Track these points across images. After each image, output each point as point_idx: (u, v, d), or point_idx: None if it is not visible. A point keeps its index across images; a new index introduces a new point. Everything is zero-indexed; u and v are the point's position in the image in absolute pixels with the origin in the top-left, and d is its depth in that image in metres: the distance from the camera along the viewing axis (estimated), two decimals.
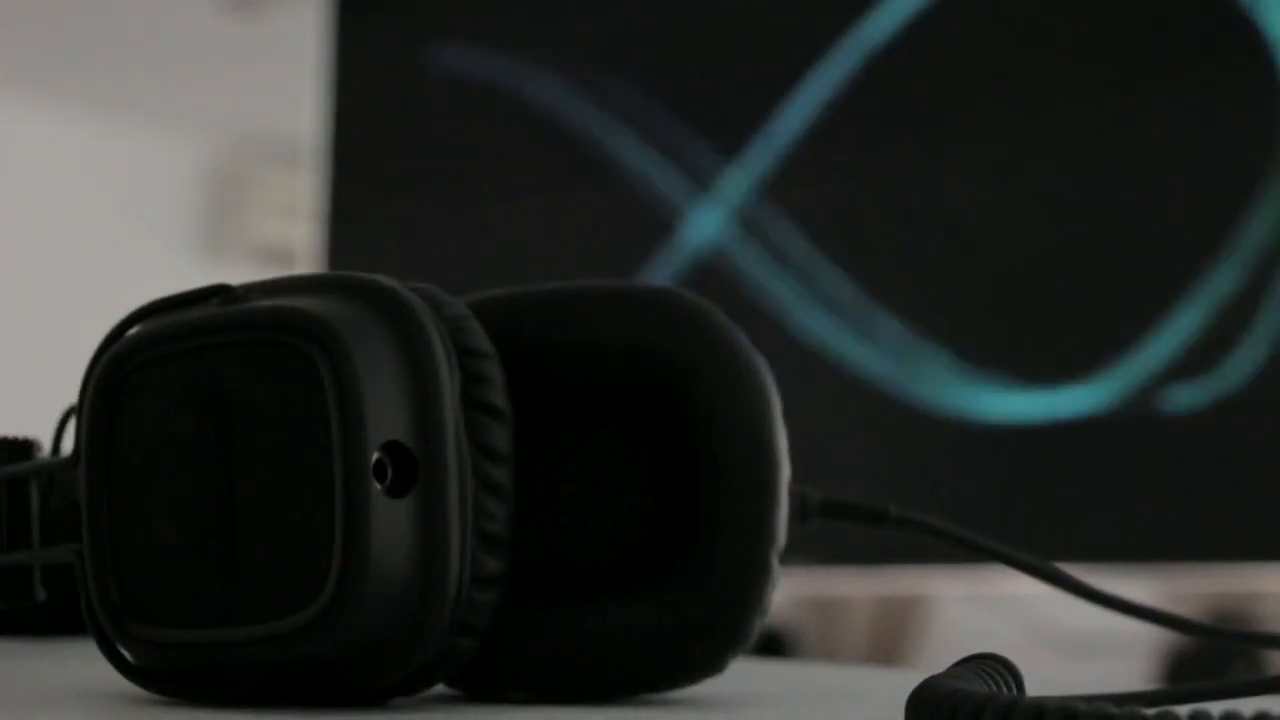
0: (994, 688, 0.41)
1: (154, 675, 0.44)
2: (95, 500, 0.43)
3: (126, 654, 0.44)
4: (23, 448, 0.51)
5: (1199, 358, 1.00)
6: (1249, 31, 1.01)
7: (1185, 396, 1.01)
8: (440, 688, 0.48)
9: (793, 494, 0.51)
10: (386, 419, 0.41)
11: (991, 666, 0.42)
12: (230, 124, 4.26)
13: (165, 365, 0.43)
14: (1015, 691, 0.42)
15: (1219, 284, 0.99)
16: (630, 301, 0.47)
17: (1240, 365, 0.99)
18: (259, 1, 3.26)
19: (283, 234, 4.51)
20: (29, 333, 4.17)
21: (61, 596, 0.49)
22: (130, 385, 0.43)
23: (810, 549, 1.11)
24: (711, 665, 0.47)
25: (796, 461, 1.07)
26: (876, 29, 1.15)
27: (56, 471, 0.47)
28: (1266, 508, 0.98)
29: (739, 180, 1.20)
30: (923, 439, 1.10)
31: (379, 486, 0.41)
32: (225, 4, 3.30)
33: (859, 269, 1.13)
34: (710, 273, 1.21)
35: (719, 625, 0.46)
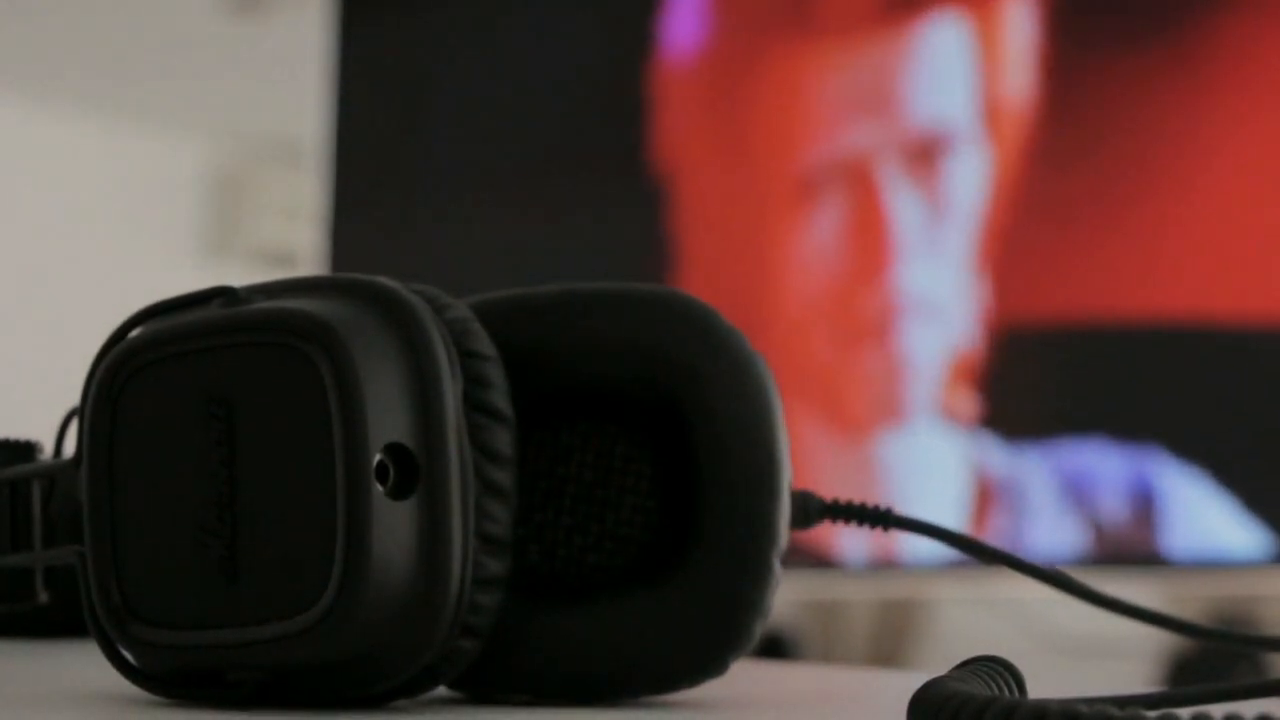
0: (996, 690, 0.41)
1: (155, 677, 0.44)
2: (97, 502, 0.43)
3: (128, 655, 0.44)
4: (25, 449, 0.51)
5: None
6: None
7: None
8: (442, 690, 0.48)
9: (795, 496, 0.51)
10: (388, 421, 0.41)
11: (993, 669, 0.42)
12: (233, 125, 4.26)
13: (167, 367, 0.43)
14: (1017, 694, 0.42)
15: None
16: (632, 303, 0.47)
17: None
18: (262, 3, 3.26)
19: (285, 236, 4.51)
20: (31, 334, 4.16)
21: (63, 598, 0.49)
22: (132, 387, 0.43)
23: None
24: (713, 667, 0.47)
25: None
26: None
27: (59, 473, 0.47)
28: None
29: None
30: None
31: (381, 489, 0.41)
32: (228, 5, 3.30)
33: None
34: None
35: (721, 627, 0.46)
